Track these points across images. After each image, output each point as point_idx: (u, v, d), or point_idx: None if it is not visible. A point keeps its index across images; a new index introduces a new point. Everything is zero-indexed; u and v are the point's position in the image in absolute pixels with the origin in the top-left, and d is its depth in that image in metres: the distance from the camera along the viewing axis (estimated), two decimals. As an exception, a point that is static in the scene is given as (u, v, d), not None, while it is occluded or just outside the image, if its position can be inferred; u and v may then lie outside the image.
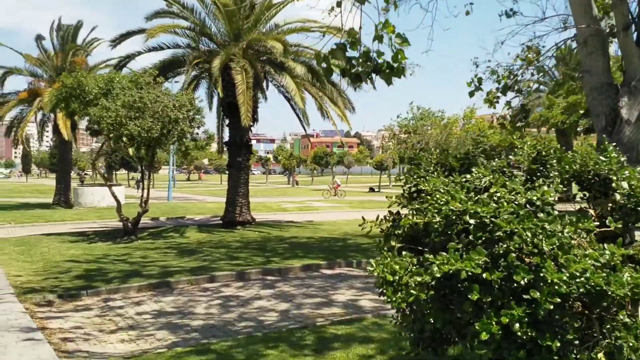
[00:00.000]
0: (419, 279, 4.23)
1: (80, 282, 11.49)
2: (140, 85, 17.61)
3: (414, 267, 4.52)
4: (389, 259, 4.67)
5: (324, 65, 6.26)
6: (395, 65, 6.11)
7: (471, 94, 9.66)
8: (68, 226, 23.58)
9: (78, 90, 18.08)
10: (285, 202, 38.34)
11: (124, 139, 17.01)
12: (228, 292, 11.09)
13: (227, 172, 22.84)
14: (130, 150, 45.70)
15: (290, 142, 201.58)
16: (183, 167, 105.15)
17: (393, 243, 5.11)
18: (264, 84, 21.72)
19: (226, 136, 23.60)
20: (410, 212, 5.15)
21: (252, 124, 19.57)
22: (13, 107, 34.45)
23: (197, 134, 18.21)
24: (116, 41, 22.02)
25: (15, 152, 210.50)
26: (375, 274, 4.56)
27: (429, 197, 4.75)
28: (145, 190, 19.02)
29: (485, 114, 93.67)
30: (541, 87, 40.64)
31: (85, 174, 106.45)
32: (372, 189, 57.94)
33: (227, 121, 22.74)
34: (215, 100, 23.63)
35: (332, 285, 11.69)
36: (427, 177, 5.14)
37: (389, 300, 4.41)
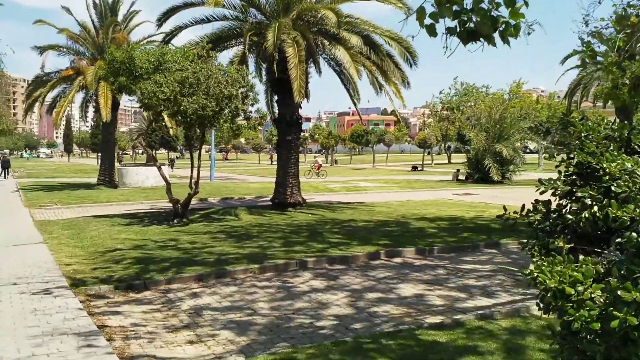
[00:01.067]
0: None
1: (134, 271, 10.70)
2: (192, 59, 16.68)
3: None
4: (558, 264, 3.58)
5: (428, 22, 5.13)
6: (514, 22, 4.98)
7: (583, 64, 8.39)
8: (115, 208, 23.05)
9: (128, 65, 17.27)
10: (330, 182, 37.34)
11: (179, 116, 16.15)
12: (291, 283, 10.14)
13: (276, 151, 21.87)
14: (171, 130, 45.39)
15: (326, 121, 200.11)
16: (220, 147, 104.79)
17: (560, 243, 3.96)
18: (317, 57, 20.47)
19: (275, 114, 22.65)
20: (581, 199, 4.00)
21: (303, 100, 18.48)
22: (55, 86, 34.10)
23: (251, 112, 17.26)
24: (162, 19, 21.10)
25: (57, 133, 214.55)
26: (542, 282, 3.49)
27: (612, 182, 3.65)
28: (195, 171, 18.18)
29: (530, 89, 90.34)
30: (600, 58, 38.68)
31: (125, 154, 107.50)
32: (415, 168, 56.55)
33: (275, 98, 21.70)
34: (263, 75, 22.58)
35: (405, 276, 10.61)
36: (607, 155, 3.98)
37: (570, 317, 3.32)
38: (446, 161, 74.03)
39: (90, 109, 38.51)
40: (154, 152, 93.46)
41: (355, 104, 23.99)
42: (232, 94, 16.26)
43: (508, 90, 73.21)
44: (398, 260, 11.96)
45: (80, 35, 34.15)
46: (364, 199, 26.05)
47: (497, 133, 35.78)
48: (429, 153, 69.24)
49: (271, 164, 77.66)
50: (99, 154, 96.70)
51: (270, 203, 22.07)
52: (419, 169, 55.63)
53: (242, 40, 21.01)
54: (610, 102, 30.65)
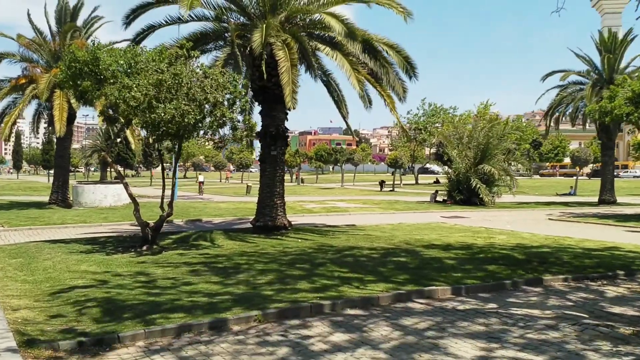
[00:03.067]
0: None
1: (102, 318, 8.19)
2: (170, 61, 14.30)
3: None
4: None
5: None
6: None
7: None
8: (71, 231, 20.28)
9: (91, 66, 14.76)
10: (304, 202, 35.04)
11: (152, 126, 13.70)
12: (305, 338, 7.74)
13: (260, 167, 19.52)
14: (132, 145, 42.40)
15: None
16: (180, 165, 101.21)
17: None
18: (312, 61, 18.17)
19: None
20: None
21: (294, 108, 16.21)
22: (5, 97, 30.93)
23: (239, 121, 14.88)
24: (130, 17, 18.60)
25: (6, 149, 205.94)
26: None
27: None
28: (169, 190, 15.72)
29: (498, 110, 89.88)
30: (582, 79, 37.67)
31: (77, 171, 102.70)
32: (382, 182, 54.79)
33: (259, 108, 19.41)
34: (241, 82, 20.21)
35: (451, 326, 8.33)
36: None
37: None
38: (413, 182, 72.65)
39: (42, 123, 35.43)
40: (109, 169, 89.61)
41: (344, 117, 21.86)
42: (217, 100, 13.93)
43: (476, 112, 72.62)
44: (431, 301, 9.72)
45: (35, 41, 31.16)
46: (349, 220, 23.84)
47: (481, 153, 34.17)
48: (398, 173, 67.66)
49: (224, 181, 74.76)
50: (50, 171, 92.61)
51: (250, 226, 19.66)
52: (391, 189, 53.80)
53: (221, 43, 18.78)
54: (598, 119, 29.39)
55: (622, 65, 35.39)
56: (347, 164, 67.19)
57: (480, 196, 32.49)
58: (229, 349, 7.16)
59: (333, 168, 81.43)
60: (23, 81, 30.25)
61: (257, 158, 22.93)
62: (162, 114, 13.44)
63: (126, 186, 16.00)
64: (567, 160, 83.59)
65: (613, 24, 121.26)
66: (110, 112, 15.92)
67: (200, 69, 14.46)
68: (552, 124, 39.33)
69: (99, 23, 32.23)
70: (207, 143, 15.38)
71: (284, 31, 17.13)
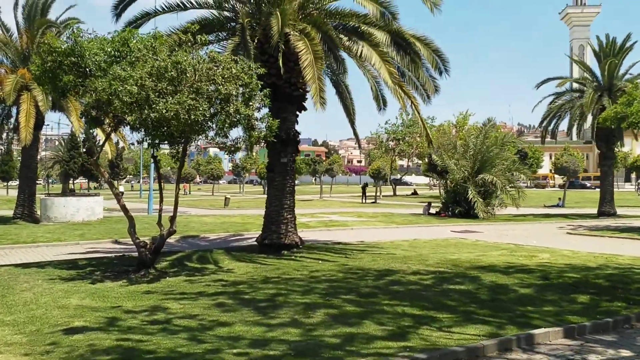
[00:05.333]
0: None
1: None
2: (172, 48, 11.93)
3: None
4: None
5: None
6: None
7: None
8: (45, 251, 17.59)
9: (73, 58, 12.27)
10: (299, 216, 32.55)
11: (150, 124, 11.27)
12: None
13: (267, 177, 17.15)
14: (109, 154, 39.44)
15: (256, 151, 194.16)
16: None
17: None
18: (338, 53, 15.77)
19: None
20: None
21: (323, 109, 13.88)
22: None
23: (256, 118, 12.52)
24: (120, 5, 16.11)
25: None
26: None
27: None
28: (169, 203, 13.28)
29: (478, 121, 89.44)
30: (579, 86, 36.43)
31: (37, 183, 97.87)
32: (365, 185, 53.33)
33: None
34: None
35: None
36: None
37: None
38: (391, 193, 70.92)
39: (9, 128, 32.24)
40: (71, 181, 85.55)
41: (352, 123, 19.64)
42: (230, 93, 11.57)
43: (455, 122, 71.48)
44: (541, 350, 7.52)
45: (0, 39, 28.16)
46: (355, 236, 21.60)
47: (479, 162, 32.40)
48: (376, 184, 65.75)
49: (185, 194, 71.37)
50: (9, 183, 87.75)
51: (254, 244, 17.27)
52: (373, 201, 51.81)
53: (224, 34, 16.46)
54: (614, 125, 27.89)
55: (622, 72, 34.21)
56: (324, 175, 65.03)
57: (475, 210, 30.66)
58: None
59: (315, 179, 79.29)
60: (-19, 83, 27.26)
61: (265, 166, 20.50)
62: (164, 111, 11.03)
63: (118, 197, 13.47)
64: (540, 171, 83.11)
65: (582, 37, 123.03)
66: (94, 112, 13.36)
67: (208, 55, 12.06)
68: (546, 133, 37.87)
69: (77, 26, 29.36)
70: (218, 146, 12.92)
71: (301, 19, 14.93)
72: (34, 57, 12.61)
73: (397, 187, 75.49)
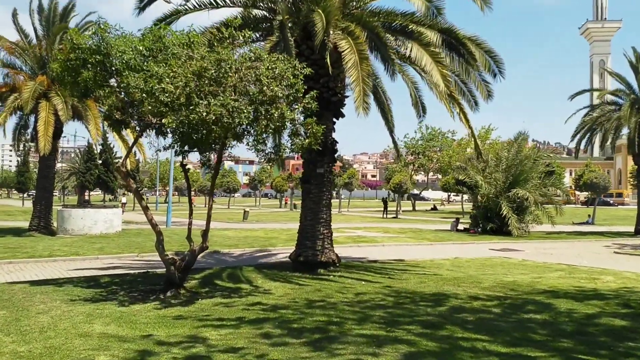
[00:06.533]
0: None
1: None
2: (211, 43, 10.77)
3: None
4: None
5: None
6: None
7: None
8: (62, 265, 16.46)
9: (99, 56, 11.13)
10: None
11: (189, 128, 10.06)
12: None
13: (303, 188, 15.89)
14: (129, 164, 38.67)
15: (270, 165, 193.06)
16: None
17: None
18: (388, 54, 14.44)
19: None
20: None
21: (365, 114, 12.60)
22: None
23: (301, 123, 11.29)
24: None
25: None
26: None
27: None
28: (202, 216, 12.04)
29: (499, 135, 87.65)
30: (616, 99, 34.99)
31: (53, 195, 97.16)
32: (384, 201, 51.85)
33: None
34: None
35: None
36: None
37: None
38: (410, 208, 69.45)
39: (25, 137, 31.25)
40: (88, 193, 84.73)
41: (391, 130, 18.34)
42: (276, 95, 10.36)
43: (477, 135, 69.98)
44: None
45: (19, 44, 27.26)
46: (388, 253, 20.23)
47: (513, 176, 30.93)
48: (393, 199, 64.40)
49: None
50: (25, 194, 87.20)
51: (287, 260, 15.99)
52: (394, 216, 50.40)
53: (257, 35, 15.27)
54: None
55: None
56: (343, 189, 63.74)
57: (509, 226, 29.15)
58: None
59: (335, 194, 78.35)
60: (4, 90, 26.37)
61: (300, 178, 19.22)
62: (204, 113, 9.83)
63: (146, 210, 12.22)
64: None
65: (602, 52, 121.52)
66: (118, 115, 12.16)
67: (253, 52, 10.86)
68: (580, 147, 36.32)
69: (104, 20, 28.43)
70: (258, 154, 11.68)
71: (343, 18, 13.75)
72: (55, 54, 11.49)
73: (417, 202, 74.13)
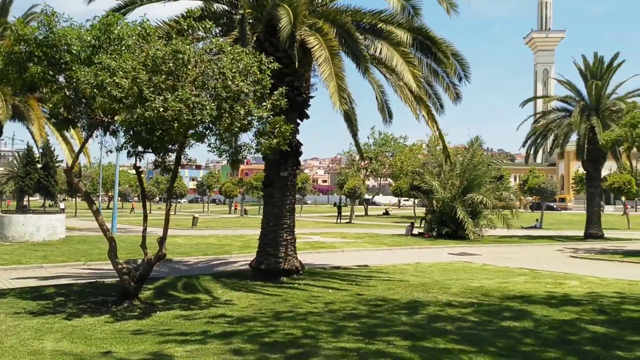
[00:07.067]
0: None
1: None
2: (169, 36, 10.03)
3: None
4: None
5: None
6: None
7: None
8: (3, 275, 15.28)
9: (45, 48, 10.21)
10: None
11: (142, 126, 9.29)
12: None
13: (265, 193, 15.22)
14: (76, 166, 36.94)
15: (218, 169, 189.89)
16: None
17: None
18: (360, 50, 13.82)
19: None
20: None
21: (344, 110, 12.04)
22: None
23: (270, 118, 10.61)
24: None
25: None
26: None
27: None
28: (156, 223, 11.24)
29: (450, 141, 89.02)
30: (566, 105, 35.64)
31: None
32: (339, 207, 51.72)
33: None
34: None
35: None
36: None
37: None
38: (363, 213, 69.40)
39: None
40: (27, 198, 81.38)
41: (355, 134, 17.90)
42: (241, 90, 9.70)
43: (427, 142, 70.61)
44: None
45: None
46: (348, 259, 19.70)
47: (467, 181, 31.04)
48: (349, 204, 64.15)
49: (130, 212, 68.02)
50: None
51: (245, 268, 15.29)
52: (348, 221, 50.08)
53: (217, 30, 14.53)
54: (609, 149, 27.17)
55: (609, 91, 33.53)
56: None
57: (466, 231, 29.21)
58: None
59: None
60: None
61: (262, 181, 18.52)
62: (161, 109, 9.07)
63: (97, 214, 11.31)
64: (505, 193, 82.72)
65: (546, 61, 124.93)
66: (65, 112, 11.20)
67: (214, 45, 10.16)
68: (531, 152, 36.86)
69: (51, 9, 26.96)
70: (219, 154, 10.95)
71: (309, 15, 13.20)
72: (17, 23, 10.53)
73: (372, 207, 74.17)
